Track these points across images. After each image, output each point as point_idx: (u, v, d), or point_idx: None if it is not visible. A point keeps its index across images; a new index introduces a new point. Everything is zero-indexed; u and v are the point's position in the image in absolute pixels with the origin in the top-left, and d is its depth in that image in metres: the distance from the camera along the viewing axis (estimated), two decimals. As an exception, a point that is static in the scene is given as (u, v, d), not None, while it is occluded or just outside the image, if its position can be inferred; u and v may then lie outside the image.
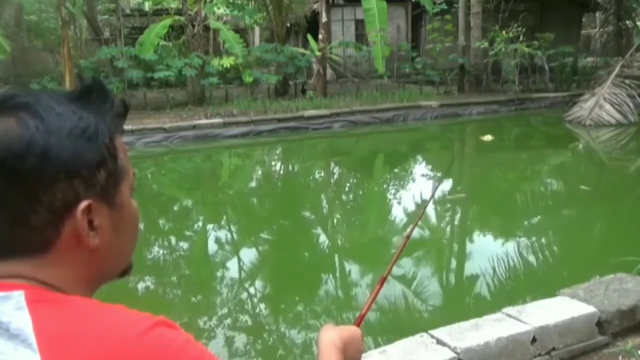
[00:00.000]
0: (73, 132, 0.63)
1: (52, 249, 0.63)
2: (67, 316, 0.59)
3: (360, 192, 8.48)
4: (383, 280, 1.09)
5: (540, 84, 16.00)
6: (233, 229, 6.70)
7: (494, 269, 4.75)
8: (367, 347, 3.37)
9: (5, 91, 0.66)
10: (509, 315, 2.82)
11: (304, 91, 15.02)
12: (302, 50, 15.64)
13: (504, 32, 14.62)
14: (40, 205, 0.61)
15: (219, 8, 15.19)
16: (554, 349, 2.75)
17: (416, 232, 6.00)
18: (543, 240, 5.64)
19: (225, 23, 15.37)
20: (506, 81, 15.52)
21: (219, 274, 5.30)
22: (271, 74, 14.79)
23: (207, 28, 14.56)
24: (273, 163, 11.10)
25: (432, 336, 2.64)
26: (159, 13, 17.18)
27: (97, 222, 0.65)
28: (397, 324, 3.88)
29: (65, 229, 0.63)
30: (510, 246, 5.27)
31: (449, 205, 7.31)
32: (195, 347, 0.61)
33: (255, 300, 4.53)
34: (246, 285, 4.85)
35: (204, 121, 11.70)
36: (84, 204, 0.63)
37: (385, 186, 8.76)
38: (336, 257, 5.56)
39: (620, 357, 2.80)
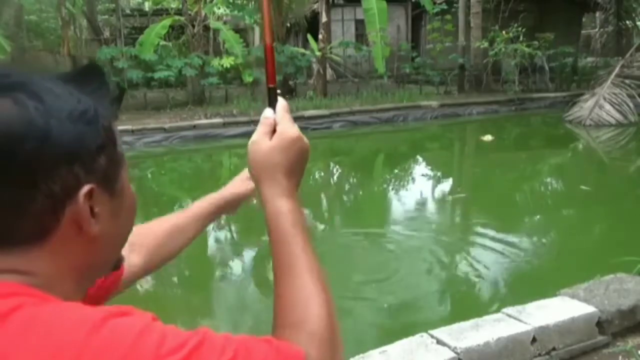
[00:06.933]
0: (73, 115, 0.59)
1: (50, 238, 0.60)
2: (18, 321, 0.54)
3: (360, 192, 8.49)
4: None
5: (540, 84, 16.01)
6: (233, 228, 6.69)
7: (494, 269, 4.75)
8: (367, 347, 3.37)
9: None
10: (509, 315, 2.82)
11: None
12: (302, 50, 15.64)
13: (504, 32, 14.63)
14: (39, 191, 0.58)
15: (219, 8, 15.20)
16: (554, 349, 2.75)
17: (416, 232, 6.00)
18: (543, 240, 5.64)
19: (225, 23, 15.37)
20: (506, 81, 15.53)
21: (219, 274, 5.30)
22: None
23: (207, 28, 14.57)
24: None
25: (432, 336, 2.64)
26: (159, 13, 17.18)
27: (97, 209, 0.61)
28: (397, 324, 3.88)
29: (65, 216, 0.60)
30: (510, 246, 5.26)
31: (448, 205, 7.31)
32: (154, 331, 0.54)
33: (255, 300, 4.53)
34: (246, 285, 4.84)
35: (204, 121, 11.71)
36: (85, 188, 0.60)
37: (385, 186, 8.76)
38: (335, 257, 5.55)
39: (620, 357, 2.80)
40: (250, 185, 1.13)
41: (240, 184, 1.16)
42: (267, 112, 0.80)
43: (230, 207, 1.17)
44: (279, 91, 0.81)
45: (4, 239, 0.59)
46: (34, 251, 0.60)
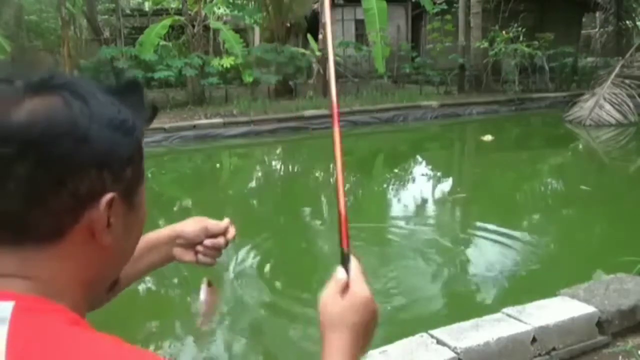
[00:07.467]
0: (113, 122, 0.62)
1: (63, 240, 0.60)
2: (49, 336, 0.54)
3: (360, 192, 8.48)
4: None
5: (540, 84, 16.01)
6: (233, 229, 6.69)
7: (494, 269, 4.75)
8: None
9: (40, 72, 0.62)
10: (509, 315, 2.82)
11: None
12: (302, 50, 15.64)
13: (504, 32, 14.63)
14: (65, 189, 0.58)
15: (219, 8, 15.21)
16: (554, 349, 2.75)
17: (416, 232, 6.00)
18: (543, 240, 5.63)
19: (225, 23, 15.38)
20: (506, 81, 15.53)
21: (219, 275, 5.29)
22: (271, 74, 14.82)
23: (207, 28, 14.57)
24: (273, 163, 11.10)
25: (432, 336, 2.64)
26: (159, 13, 17.18)
27: (113, 219, 0.62)
28: (397, 324, 3.88)
29: (83, 219, 0.60)
30: (510, 246, 5.27)
31: (448, 205, 7.31)
32: None
33: (256, 301, 4.53)
34: (247, 286, 4.84)
35: (204, 121, 11.71)
36: (109, 195, 0.61)
37: (385, 186, 8.76)
38: (336, 257, 5.55)
39: (620, 357, 2.80)
40: (198, 226, 1.06)
41: (190, 223, 1.08)
42: (340, 272, 0.84)
43: (179, 244, 1.06)
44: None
45: (20, 233, 0.59)
46: (47, 250, 0.60)
